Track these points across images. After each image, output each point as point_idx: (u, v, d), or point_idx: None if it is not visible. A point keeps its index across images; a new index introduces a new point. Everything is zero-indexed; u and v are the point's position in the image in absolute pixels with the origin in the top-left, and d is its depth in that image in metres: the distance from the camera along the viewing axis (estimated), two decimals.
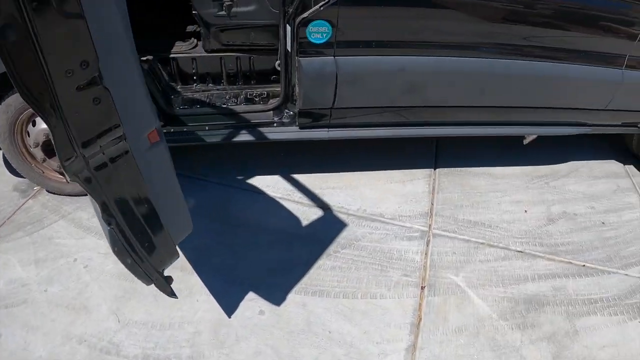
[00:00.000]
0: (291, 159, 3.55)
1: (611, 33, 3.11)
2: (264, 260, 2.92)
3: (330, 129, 3.07)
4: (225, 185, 3.32)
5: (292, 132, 3.06)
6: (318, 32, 2.69)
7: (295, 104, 3.00)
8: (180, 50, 3.23)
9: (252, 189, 3.30)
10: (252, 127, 3.08)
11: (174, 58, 3.21)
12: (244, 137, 3.08)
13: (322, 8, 2.61)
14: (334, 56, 2.76)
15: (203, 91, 3.27)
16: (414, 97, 3.00)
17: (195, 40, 3.28)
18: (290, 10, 2.70)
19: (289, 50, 2.82)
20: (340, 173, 3.45)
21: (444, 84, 3.00)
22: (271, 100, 3.16)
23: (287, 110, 3.07)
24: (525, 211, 3.37)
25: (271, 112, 3.07)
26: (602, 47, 3.16)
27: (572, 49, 3.10)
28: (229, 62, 3.21)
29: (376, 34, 2.75)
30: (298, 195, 3.27)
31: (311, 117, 3.01)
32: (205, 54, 3.20)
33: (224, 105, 3.14)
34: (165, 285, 2.31)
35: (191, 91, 3.28)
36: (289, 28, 2.76)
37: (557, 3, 2.91)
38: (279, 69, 3.09)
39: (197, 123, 3.08)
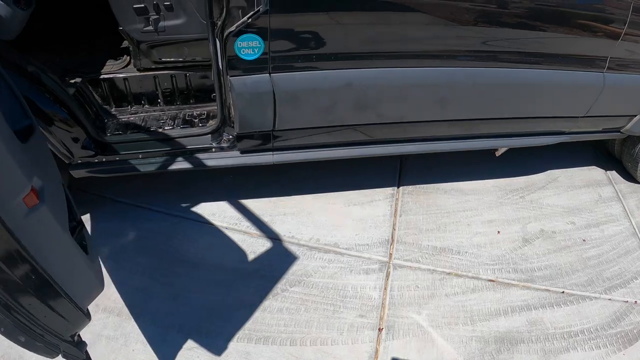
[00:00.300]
0: (240, 182, 3.10)
1: (590, 33, 2.64)
2: (205, 302, 2.49)
3: (275, 152, 2.62)
4: (168, 214, 2.89)
5: (232, 158, 2.60)
6: (248, 47, 2.22)
7: (231, 125, 2.55)
8: (111, 69, 2.78)
9: (197, 218, 2.87)
10: (189, 154, 2.63)
11: (104, 79, 2.78)
12: (180, 164, 2.63)
13: (249, 19, 2.16)
14: (270, 73, 2.29)
15: (138, 113, 2.81)
16: (367, 114, 2.53)
17: (128, 58, 2.82)
18: (218, 22, 2.26)
19: (221, 68, 2.38)
20: (293, 196, 3.00)
21: (399, 98, 2.52)
22: (210, 122, 2.70)
23: (225, 134, 2.61)
24: (499, 232, 2.92)
25: (209, 136, 2.62)
26: (580, 49, 2.67)
27: (547, 52, 2.61)
28: (164, 81, 2.74)
29: (316, 46, 2.26)
30: (245, 224, 2.83)
31: (252, 141, 2.55)
32: (138, 74, 2.74)
33: (160, 129, 2.69)
34: (78, 354, 1.91)
35: (126, 114, 2.82)
36: (218, 43, 2.32)
37: (528, 0, 2.46)
38: None
39: (130, 151, 2.63)
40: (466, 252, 2.80)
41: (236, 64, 2.24)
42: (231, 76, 2.27)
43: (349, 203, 2.98)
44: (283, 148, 2.60)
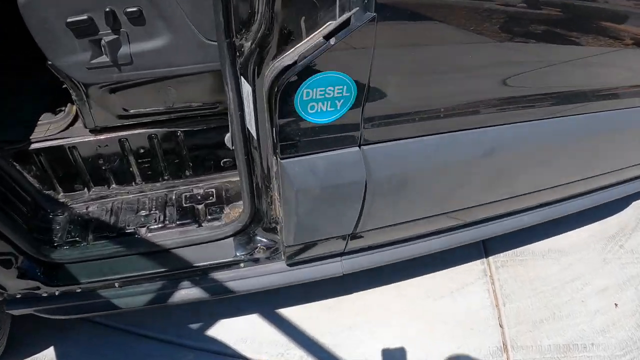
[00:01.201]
0: None
1: None
2: None
3: (345, 258, 1.24)
4: (174, 345, 1.39)
5: (276, 275, 1.15)
6: (324, 99, 0.78)
7: (270, 225, 1.12)
8: (48, 133, 1.22)
9: (219, 348, 1.38)
10: (200, 275, 1.17)
11: (38, 149, 1.22)
12: (188, 293, 1.14)
13: (333, 41, 0.73)
14: (360, 145, 0.89)
15: (103, 199, 1.29)
16: (499, 190, 1.21)
17: (74, 109, 1.29)
18: (246, 44, 0.85)
19: (252, 132, 0.99)
20: (353, 294, 1.56)
21: (546, 160, 1.17)
22: (226, 212, 1.21)
23: (259, 237, 1.16)
24: (616, 305, 1.69)
25: (230, 241, 1.18)
26: None
27: None
28: (138, 146, 1.23)
29: (460, 87, 0.88)
30: (296, 354, 1.39)
31: (310, 250, 1.14)
32: (93, 137, 1.21)
33: (142, 230, 1.19)
34: None
35: (83, 201, 1.29)
36: (247, 88, 0.92)
37: None
38: (232, 147, 1.22)
39: (98, 278, 1.14)
40: (592, 344, 1.59)
41: (295, 133, 0.81)
42: (284, 157, 0.86)
43: (434, 294, 1.60)
44: (358, 250, 1.20)
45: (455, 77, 0.86)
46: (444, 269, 1.66)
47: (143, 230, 1.21)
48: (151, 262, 1.15)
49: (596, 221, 2.00)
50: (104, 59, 1.02)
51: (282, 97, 0.75)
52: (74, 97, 1.14)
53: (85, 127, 1.19)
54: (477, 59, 0.85)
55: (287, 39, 0.75)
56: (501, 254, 1.77)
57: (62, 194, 1.30)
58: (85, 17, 0.95)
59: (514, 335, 1.53)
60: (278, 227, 1.09)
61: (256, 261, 1.16)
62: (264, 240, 1.14)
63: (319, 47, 0.71)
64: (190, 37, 1.01)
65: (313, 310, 1.52)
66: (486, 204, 1.18)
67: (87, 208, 1.30)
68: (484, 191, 1.15)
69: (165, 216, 1.24)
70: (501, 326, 1.54)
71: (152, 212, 1.25)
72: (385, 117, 0.87)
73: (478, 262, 1.72)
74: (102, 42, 1.00)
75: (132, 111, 1.18)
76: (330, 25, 0.73)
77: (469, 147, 0.99)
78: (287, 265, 1.16)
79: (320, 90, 0.76)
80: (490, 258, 1.75)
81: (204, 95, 1.18)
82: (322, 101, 0.78)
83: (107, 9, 0.94)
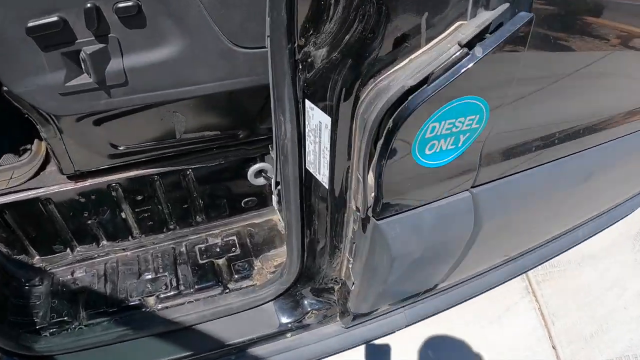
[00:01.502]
0: None
1: None
2: None
3: (408, 307, 0.94)
4: None
5: (330, 339, 0.86)
6: (451, 134, 0.48)
7: (324, 286, 0.81)
8: (12, 183, 0.82)
9: None
10: (236, 353, 0.85)
11: (0, 206, 0.84)
12: None
13: (481, 54, 0.41)
14: (471, 187, 0.61)
15: (90, 260, 0.95)
16: (581, 212, 0.98)
17: (44, 146, 0.92)
18: (318, 54, 0.51)
19: (318, 177, 0.69)
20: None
21: (621, 176, 0.95)
22: (257, 266, 0.89)
23: (309, 299, 0.85)
24: None
25: (271, 304, 0.87)
26: None
27: None
28: (133, 192, 0.89)
29: (595, 102, 0.63)
30: None
31: (377, 310, 0.86)
32: (72, 186, 0.85)
33: (149, 301, 0.86)
34: None
35: (65, 265, 0.93)
36: (318, 116, 0.61)
37: None
38: (256, 182, 0.91)
39: None
40: None
41: (401, 183, 0.52)
42: (383, 217, 0.55)
43: (481, 319, 1.38)
44: (426, 297, 0.99)
45: (595, 93, 0.62)
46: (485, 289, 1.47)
47: (152, 300, 0.89)
48: (170, 344, 0.83)
49: (618, 220, 1.89)
50: (85, 79, 0.66)
51: (398, 134, 0.48)
52: (43, 135, 0.79)
53: (62, 173, 0.85)
54: (622, 70, 0.63)
55: (400, 46, 0.47)
56: (539, 267, 1.58)
57: (37, 257, 0.93)
58: (55, 18, 0.59)
59: (568, 355, 1.35)
60: (336, 287, 0.82)
61: (306, 328, 0.88)
62: (314, 302, 0.87)
63: (457, 61, 0.44)
64: (211, 43, 0.68)
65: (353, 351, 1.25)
66: (566, 229, 0.98)
67: (72, 274, 0.94)
68: (569, 216, 0.94)
69: (178, 279, 0.91)
70: (554, 347, 1.36)
71: (160, 274, 0.92)
72: (505, 150, 0.61)
73: (518, 279, 1.53)
74: (82, 54, 0.64)
75: (122, 148, 0.85)
76: (467, 28, 0.46)
77: (572, 174, 0.76)
78: (345, 327, 0.90)
79: (449, 123, 0.49)
80: (530, 273, 1.56)
81: (222, 121, 0.87)
82: (445, 137, 0.51)
83: (89, 5, 0.59)
